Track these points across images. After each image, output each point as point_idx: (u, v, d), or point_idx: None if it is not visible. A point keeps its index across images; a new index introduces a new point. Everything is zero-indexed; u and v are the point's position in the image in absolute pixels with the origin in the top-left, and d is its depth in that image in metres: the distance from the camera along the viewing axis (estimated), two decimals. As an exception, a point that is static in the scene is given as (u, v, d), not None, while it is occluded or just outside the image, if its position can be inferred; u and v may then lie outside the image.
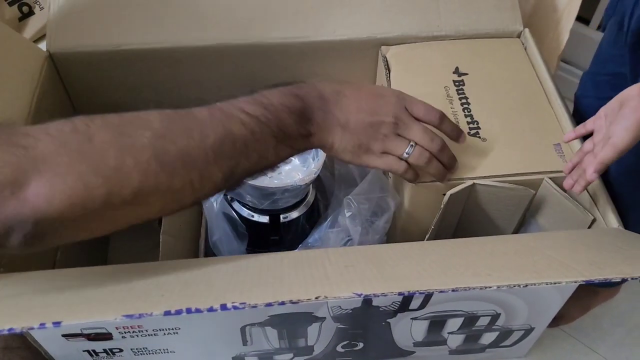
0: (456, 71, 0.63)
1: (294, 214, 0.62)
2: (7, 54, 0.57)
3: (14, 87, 0.57)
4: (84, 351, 0.45)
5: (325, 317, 0.48)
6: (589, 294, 0.67)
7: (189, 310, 0.34)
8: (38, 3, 0.84)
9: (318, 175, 0.60)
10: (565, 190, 0.53)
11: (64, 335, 0.43)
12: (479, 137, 0.57)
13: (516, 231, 0.62)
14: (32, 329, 0.33)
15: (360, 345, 0.54)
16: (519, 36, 0.68)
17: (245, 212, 0.61)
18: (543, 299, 0.51)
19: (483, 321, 0.52)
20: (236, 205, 0.62)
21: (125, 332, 0.44)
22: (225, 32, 0.65)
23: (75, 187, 0.34)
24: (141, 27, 0.64)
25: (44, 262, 0.57)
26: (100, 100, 0.69)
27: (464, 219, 0.59)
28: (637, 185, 0.54)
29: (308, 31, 0.66)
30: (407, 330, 0.52)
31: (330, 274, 0.39)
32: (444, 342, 0.55)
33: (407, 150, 0.48)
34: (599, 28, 0.96)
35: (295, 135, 0.44)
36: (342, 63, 0.69)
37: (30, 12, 0.84)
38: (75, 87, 0.68)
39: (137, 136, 0.37)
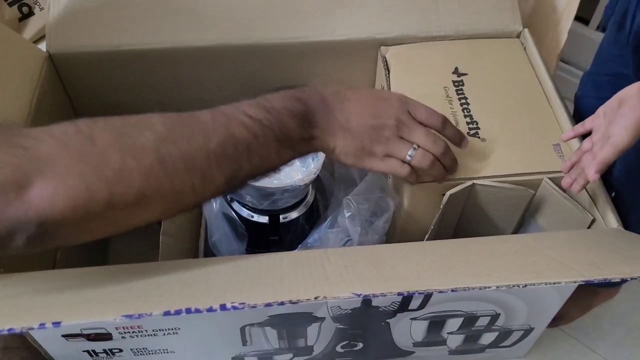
0: (455, 71, 0.63)
1: (294, 214, 0.62)
2: (7, 54, 0.57)
3: (13, 88, 0.57)
4: (83, 351, 0.45)
5: (324, 317, 0.48)
6: (589, 294, 0.67)
7: (188, 311, 0.34)
8: (38, 3, 0.84)
9: (317, 176, 0.60)
10: (564, 190, 0.53)
11: (63, 336, 0.43)
12: (479, 138, 0.57)
13: (516, 231, 0.62)
14: (31, 329, 0.33)
15: (360, 345, 0.54)
16: (518, 36, 0.68)
17: (245, 213, 0.61)
18: (542, 299, 0.51)
19: (483, 321, 0.52)
20: (236, 205, 0.62)
21: (125, 333, 0.44)
22: (225, 33, 0.65)
23: (78, 189, 0.34)
24: (141, 28, 0.64)
25: (44, 263, 0.57)
26: (100, 100, 0.69)
27: (464, 219, 0.59)
28: (637, 186, 0.54)
29: (308, 31, 0.66)
30: (407, 330, 0.52)
31: (330, 274, 0.39)
32: (443, 342, 0.55)
33: (409, 153, 0.48)
34: (598, 28, 0.96)
35: (298, 139, 0.44)
36: (341, 63, 0.69)
37: (30, 13, 0.84)
38: (75, 87, 0.68)
39: (140, 139, 0.37)
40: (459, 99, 0.60)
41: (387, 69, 0.65)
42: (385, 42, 0.67)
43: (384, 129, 0.47)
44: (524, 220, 0.61)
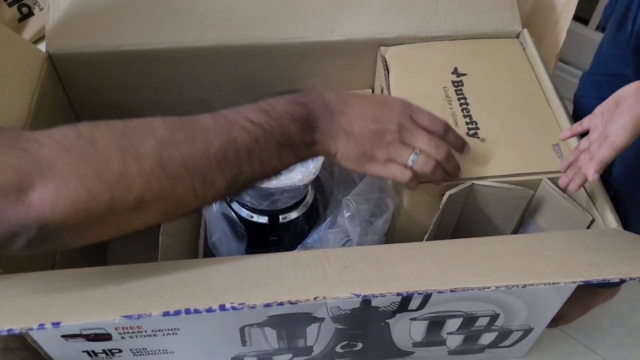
0: (455, 71, 0.63)
1: (293, 215, 0.62)
2: (7, 55, 0.57)
3: (13, 88, 0.57)
4: (83, 352, 0.45)
5: (324, 318, 0.48)
6: (589, 295, 0.67)
7: (187, 311, 0.34)
8: (37, 4, 0.84)
9: (317, 176, 0.60)
10: (564, 191, 0.53)
11: (63, 336, 0.43)
12: (478, 138, 0.57)
13: (515, 231, 0.62)
14: (31, 329, 0.33)
15: (359, 345, 0.54)
16: (517, 36, 0.68)
17: (245, 213, 0.61)
18: (542, 299, 0.51)
19: (482, 321, 0.52)
20: (235, 205, 0.62)
21: (124, 333, 0.44)
22: (225, 33, 0.65)
23: (79, 193, 0.34)
24: (141, 28, 0.64)
25: (43, 263, 0.57)
26: (99, 100, 0.69)
27: (463, 220, 0.59)
28: (636, 185, 0.54)
29: (307, 31, 0.66)
30: (406, 330, 0.52)
31: (329, 274, 0.39)
32: (443, 342, 0.55)
33: (411, 158, 0.47)
34: (597, 28, 0.96)
35: (300, 143, 0.44)
36: (341, 63, 0.69)
37: (30, 13, 0.84)
38: (74, 87, 0.68)
39: (141, 143, 0.37)
40: (459, 99, 0.60)
41: (387, 69, 0.65)
42: (384, 42, 0.67)
43: (386, 134, 0.47)
44: (523, 221, 0.61)
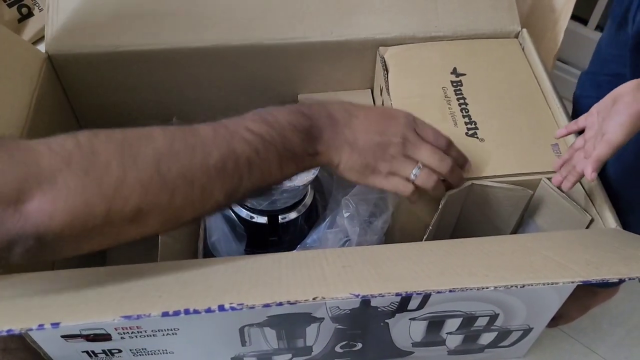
0: (454, 72, 0.63)
1: (293, 215, 0.62)
2: (6, 55, 0.57)
3: (13, 89, 0.57)
4: (82, 352, 0.45)
5: (323, 318, 0.48)
6: (588, 294, 0.67)
7: (187, 311, 0.34)
8: (37, 4, 0.84)
9: (316, 176, 0.60)
10: (563, 191, 0.53)
11: (62, 336, 0.43)
12: (477, 138, 0.57)
13: (514, 231, 0.62)
14: (30, 330, 0.33)
15: (359, 345, 0.54)
16: (516, 36, 0.68)
17: (244, 213, 0.61)
18: (541, 299, 0.51)
19: (481, 321, 0.52)
20: (235, 206, 0.62)
21: (124, 333, 0.44)
22: (224, 33, 0.65)
23: (77, 204, 0.34)
24: (140, 28, 0.64)
25: (43, 264, 0.57)
26: (99, 101, 0.70)
27: (462, 219, 0.60)
28: (636, 185, 0.54)
29: (307, 32, 0.66)
30: (406, 330, 0.52)
31: (328, 274, 0.39)
32: (442, 342, 0.55)
33: (414, 172, 0.47)
34: (597, 28, 0.97)
35: (301, 154, 0.44)
36: (340, 64, 0.69)
37: (30, 14, 0.84)
38: (74, 88, 0.68)
39: (140, 153, 0.37)
40: (458, 99, 0.61)
41: (386, 70, 0.65)
42: (383, 42, 0.67)
43: (389, 147, 0.46)
44: (522, 221, 0.61)
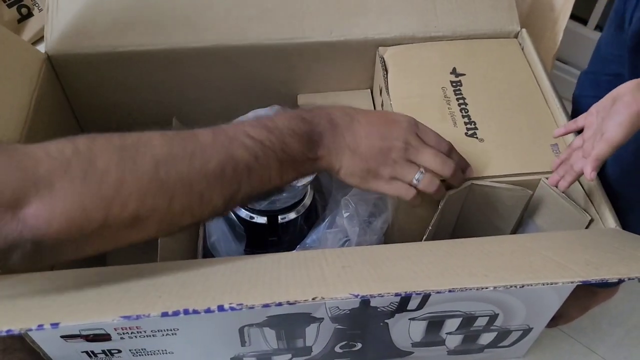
0: (453, 72, 0.64)
1: (292, 215, 0.62)
2: (5, 56, 0.57)
3: (12, 89, 0.57)
4: (82, 352, 0.45)
5: (323, 318, 0.48)
6: (588, 294, 0.67)
7: (186, 312, 0.34)
8: (37, 5, 0.84)
9: (316, 176, 0.60)
10: (562, 191, 0.53)
11: (62, 337, 0.43)
12: (477, 138, 0.57)
13: (514, 231, 0.62)
14: (30, 330, 0.33)
15: (359, 345, 0.54)
16: (516, 36, 0.68)
17: (244, 213, 0.61)
18: (541, 299, 0.51)
19: (481, 321, 0.52)
20: (234, 206, 0.62)
21: (123, 333, 0.44)
22: (224, 33, 0.65)
23: (74, 210, 0.34)
24: (139, 29, 0.64)
25: (41, 267, 0.57)
26: (99, 101, 0.70)
27: (462, 219, 0.60)
28: (635, 185, 0.54)
29: (306, 32, 0.66)
30: (405, 330, 0.52)
31: (327, 274, 0.39)
32: (442, 342, 0.55)
33: (416, 177, 0.47)
34: (596, 28, 0.97)
35: (301, 159, 0.44)
36: (339, 64, 0.69)
37: (29, 14, 0.84)
38: (73, 88, 0.68)
39: (138, 160, 0.37)
40: (457, 99, 0.61)
41: (385, 70, 0.65)
42: (383, 42, 0.67)
43: (391, 151, 0.46)
44: (522, 221, 0.61)
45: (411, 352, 0.57)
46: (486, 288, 0.36)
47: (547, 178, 0.54)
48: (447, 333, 0.54)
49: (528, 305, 0.51)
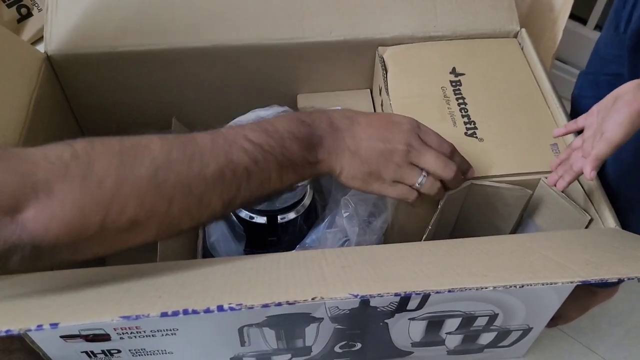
0: (453, 71, 0.64)
1: (292, 215, 0.62)
2: (5, 56, 0.57)
3: (11, 89, 0.57)
4: (82, 352, 0.45)
5: (323, 318, 0.48)
6: (587, 294, 0.67)
7: (185, 312, 0.34)
8: (36, 5, 0.84)
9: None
10: (562, 190, 0.53)
11: (61, 337, 0.43)
12: (476, 137, 0.57)
13: (514, 231, 0.62)
14: (29, 330, 0.33)
15: (358, 345, 0.54)
16: (515, 36, 0.68)
17: (243, 213, 0.61)
18: (541, 299, 0.51)
19: (481, 321, 0.52)
20: (234, 206, 0.62)
21: (123, 333, 0.44)
22: (224, 33, 0.65)
23: (72, 214, 0.34)
24: (138, 29, 0.64)
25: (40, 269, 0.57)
26: (98, 101, 0.70)
27: (462, 219, 0.60)
28: (635, 185, 0.54)
29: (305, 32, 0.66)
30: (405, 330, 0.52)
31: (327, 274, 0.39)
32: (442, 342, 0.55)
33: (419, 181, 0.47)
34: (595, 28, 0.97)
35: (302, 163, 0.43)
36: (339, 64, 0.69)
37: (29, 14, 0.84)
38: (73, 88, 0.68)
39: (137, 164, 0.37)
40: (457, 99, 0.61)
41: (385, 69, 0.65)
42: (382, 42, 0.67)
43: (394, 154, 0.46)
44: (522, 220, 0.61)
45: (411, 352, 0.57)
46: (486, 288, 0.36)
47: (546, 178, 0.54)
48: (446, 333, 0.54)
49: (528, 305, 0.51)
